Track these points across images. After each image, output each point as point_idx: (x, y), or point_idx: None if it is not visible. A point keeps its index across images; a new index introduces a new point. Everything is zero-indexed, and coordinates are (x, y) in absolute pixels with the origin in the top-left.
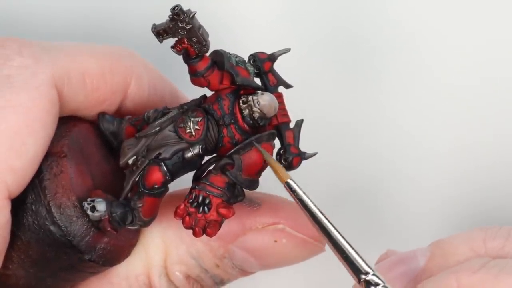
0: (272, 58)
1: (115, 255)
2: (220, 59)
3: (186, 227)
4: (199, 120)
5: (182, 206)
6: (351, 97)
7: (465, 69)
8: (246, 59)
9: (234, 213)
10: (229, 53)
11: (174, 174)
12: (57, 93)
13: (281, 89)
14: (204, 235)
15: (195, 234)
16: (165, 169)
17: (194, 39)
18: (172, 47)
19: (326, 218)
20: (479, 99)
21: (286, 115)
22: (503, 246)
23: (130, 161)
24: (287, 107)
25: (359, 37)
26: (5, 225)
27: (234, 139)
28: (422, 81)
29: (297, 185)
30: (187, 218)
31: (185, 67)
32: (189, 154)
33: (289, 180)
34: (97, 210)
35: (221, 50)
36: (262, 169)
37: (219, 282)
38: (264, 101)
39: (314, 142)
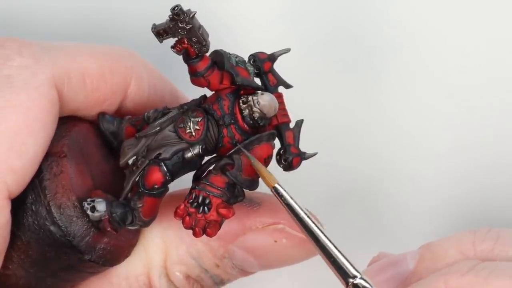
0: (272, 58)
1: (115, 255)
2: (220, 59)
3: (186, 227)
4: (199, 120)
5: (182, 206)
6: (351, 97)
7: (465, 69)
8: (246, 59)
9: (234, 213)
10: (229, 53)
11: (174, 174)
12: (57, 93)
13: (281, 89)
14: (204, 235)
15: (195, 234)
16: (165, 169)
17: (194, 39)
18: (172, 47)
19: (313, 222)
20: (479, 99)
21: (286, 115)
22: (492, 248)
23: (130, 161)
24: (287, 107)
25: (359, 37)
26: (5, 225)
27: (234, 139)
28: (422, 81)
29: (285, 190)
30: (187, 218)
31: (185, 67)
32: (189, 154)
33: (276, 185)
34: (97, 210)
35: (221, 50)
36: None
37: (219, 282)
38: (264, 101)
39: (314, 142)
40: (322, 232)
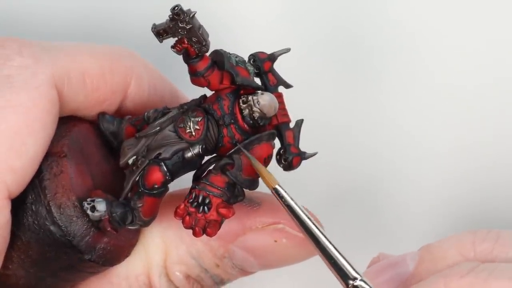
0: (272, 58)
1: (115, 255)
2: (220, 59)
3: (186, 227)
4: (199, 120)
5: (182, 206)
6: (351, 97)
7: (465, 69)
8: (246, 59)
9: (234, 213)
10: (229, 53)
11: (174, 174)
12: (57, 93)
13: (281, 89)
14: (204, 235)
15: (195, 234)
16: (165, 169)
17: (194, 39)
18: (172, 47)
19: (313, 223)
20: (479, 99)
21: (286, 115)
22: (492, 249)
23: (130, 161)
24: (287, 107)
25: (359, 37)
26: (5, 225)
27: (234, 139)
28: (422, 81)
29: (285, 191)
30: (187, 218)
31: (185, 67)
32: (189, 154)
33: (276, 186)
34: (97, 210)
35: (221, 50)
36: None
37: (219, 282)
38: (264, 101)
39: (314, 142)
40: (323, 234)
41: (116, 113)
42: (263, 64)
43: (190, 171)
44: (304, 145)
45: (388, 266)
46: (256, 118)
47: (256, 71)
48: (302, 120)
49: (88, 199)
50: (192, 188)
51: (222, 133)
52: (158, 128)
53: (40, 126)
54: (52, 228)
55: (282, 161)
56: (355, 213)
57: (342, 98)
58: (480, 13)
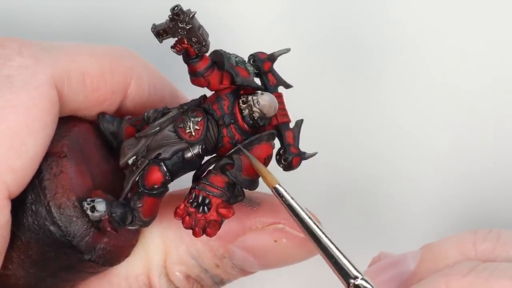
0: (272, 58)
1: (115, 255)
2: (220, 59)
3: (186, 227)
4: (199, 120)
5: (182, 206)
6: (351, 97)
7: (465, 69)
8: (246, 59)
9: (234, 213)
10: (229, 53)
11: (174, 174)
12: (57, 93)
13: (281, 89)
14: (204, 235)
15: (195, 234)
16: (165, 169)
17: (194, 39)
18: (172, 47)
19: (314, 223)
20: (479, 99)
21: (286, 115)
22: (493, 249)
23: (130, 161)
24: (287, 107)
25: (359, 37)
26: (5, 225)
27: (234, 139)
28: (422, 81)
29: (285, 190)
30: (187, 218)
31: (185, 67)
32: (189, 154)
33: (277, 185)
34: (97, 210)
35: (221, 50)
36: None
37: (219, 282)
38: (264, 101)
39: (314, 142)
40: (323, 233)
41: (116, 113)
42: (263, 64)
43: (190, 171)
44: (304, 145)
45: (389, 265)
46: (256, 118)
47: (256, 71)
48: (302, 120)
49: (88, 199)
50: (192, 188)
51: (222, 133)
52: (158, 128)
53: (40, 126)
54: (52, 228)
55: (282, 161)
56: (355, 213)
57: (342, 98)
58: (480, 13)
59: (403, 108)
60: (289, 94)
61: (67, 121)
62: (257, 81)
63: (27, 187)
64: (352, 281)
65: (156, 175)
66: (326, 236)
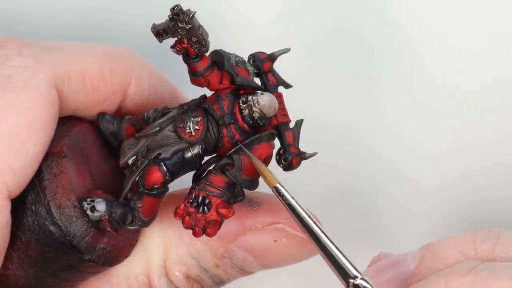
0: (272, 58)
1: (115, 255)
2: (219, 59)
3: (186, 227)
4: (199, 120)
5: (182, 206)
6: (351, 97)
7: (464, 69)
8: (246, 59)
9: (234, 213)
10: (228, 53)
11: (174, 174)
12: (57, 93)
13: (281, 89)
14: (204, 235)
15: (195, 234)
16: (165, 169)
17: (193, 39)
18: (172, 47)
19: (314, 222)
20: (479, 99)
21: (286, 115)
22: (493, 249)
23: (130, 161)
24: (287, 107)
25: (359, 37)
26: (5, 225)
27: (233, 139)
28: (421, 81)
29: (286, 190)
30: (187, 218)
31: (185, 67)
32: (189, 154)
33: (277, 185)
34: (97, 210)
35: (221, 50)
36: None
37: (219, 282)
38: (264, 101)
39: (314, 142)
40: (323, 232)
41: (116, 113)
42: (262, 64)
43: (190, 171)
44: (304, 145)
45: (389, 265)
46: (256, 118)
47: (256, 71)
48: (302, 120)
49: (88, 199)
50: (192, 188)
51: (222, 133)
52: (158, 128)
53: (40, 126)
54: (52, 228)
55: (282, 161)
56: (355, 213)
57: (342, 98)
58: (479, 13)
59: (402, 108)
60: (289, 94)
61: (67, 121)
62: (257, 81)
63: (27, 187)
64: (351, 280)
65: (156, 175)
66: (326, 236)
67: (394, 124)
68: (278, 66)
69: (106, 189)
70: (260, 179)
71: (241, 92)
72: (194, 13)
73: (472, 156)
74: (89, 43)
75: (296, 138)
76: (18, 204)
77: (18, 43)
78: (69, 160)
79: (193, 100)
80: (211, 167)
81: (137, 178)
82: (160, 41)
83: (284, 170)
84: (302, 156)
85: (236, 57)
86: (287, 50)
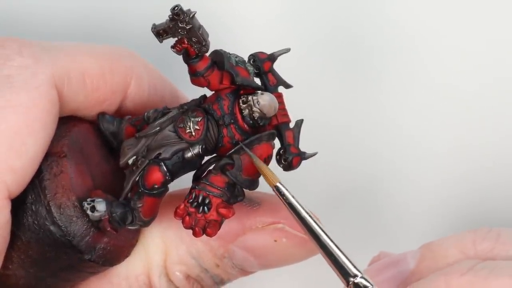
0: (272, 58)
1: (115, 255)
2: (220, 59)
3: (186, 227)
4: (199, 120)
5: (182, 206)
6: (351, 97)
7: (464, 69)
8: (246, 59)
9: (234, 213)
10: (229, 53)
11: (174, 174)
12: (57, 93)
13: (281, 89)
14: (204, 235)
15: (195, 234)
16: (165, 169)
17: (194, 39)
18: (172, 47)
19: (315, 221)
20: (479, 99)
21: (286, 115)
22: (493, 248)
23: (130, 161)
24: (287, 107)
25: (359, 37)
26: (5, 225)
27: (234, 139)
28: (421, 81)
29: (286, 189)
30: (187, 218)
31: (185, 67)
32: (189, 154)
33: (278, 184)
34: (97, 210)
35: (221, 50)
36: None
37: (219, 282)
38: (264, 101)
39: (314, 142)
40: (324, 231)
41: (116, 113)
42: (263, 64)
43: (190, 171)
44: (304, 145)
45: (389, 264)
46: (256, 118)
47: (256, 71)
48: (302, 120)
49: (88, 199)
50: (192, 188)
51: (222, 133)
52: (158, 128)
53: (40, 126)
54: (52, 228)
55: (282, 161)
56: (355, 213)
57: (342, 98)
58: (479, 13)
59: (402, 108)
60: (289, 94)
61: (67, 121)
62: (257, 81)
63: (27, 187)
64: (351, 279)
65: (156, 175)
66: (326, 235)
67: (394, 124)
68: (278, 66)
69: (106, 189)
70: (261, 179)
71: (241, 92)
72: (195, 13)
73: (472, 156)
74: (89, 43)
75: (296, 138)
76: (18, 204)
77: (18, 43)
78: (69, 160)
79: (193, 100)
80: (211, 167)
81: (137, 178)
82: (160, 41)
83: (284, 170)
84: (302, 156)
85: (236, 57)
86: (287, 50)
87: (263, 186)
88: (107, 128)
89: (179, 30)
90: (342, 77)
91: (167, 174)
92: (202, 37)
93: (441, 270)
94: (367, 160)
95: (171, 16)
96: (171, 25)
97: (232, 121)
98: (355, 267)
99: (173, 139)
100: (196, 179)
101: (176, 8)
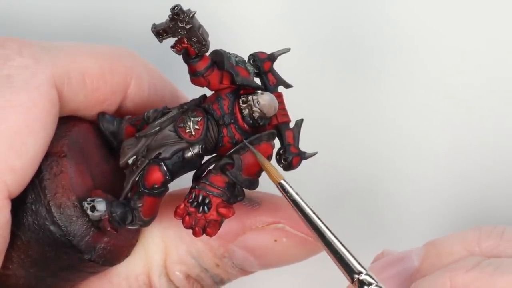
0: (272, 58)
1: (115, 255)
2: (220, 59)
3: (186, 227)
4: (199, 119)
5: (182, 206)
6: (351, 97)
7: (464, 69)
8: (246, 59)
9: (234, 213)
10: (229, 53)
11: (174, 174)
12: (57, 93)
13: (281, 89)
14: (204, 234)
15: (195, 233)
16: (165, 168)
17: (194, 39)
18: (172, 47)
19: (319, 218)
20: (479, 99)
21: (286, 115)
22: (497, 245)
23: (130, 161)
24: (287, 107)
25: (359, 37)
26: (5, 225)
27: (234, 138)
28: (421, 81)
29: (290, 186)
30: (187, 217)
31: (185, 67)
32: (189, 154)
33: (282, 181)
34: (97, 210)
35: (221, 50)
36: (262, 169)
37: (219, 281)
38: (264, 100)
39: (314, 142)
40: (328, 229)
41: (116, 113)
42: (263, 64)
43: (190, 171)
44: (304, 145)
45: (394, 261)
46: (256, 118)
47: (256, 71)
48: (302, 120)
49: (88, 199)
50: (192, 188)
51: (222, 133)
52: (158, 128)
53: (40, 126)
54: (52, 228)
55: (282, 161)
56: (355, 213)
57: (342, 98)
58: (479, 13)
59: (403, 108)
60: (289, 94)
61: (67, 121)
62: (257, 81)
63: (27, 187)
64: (356, 276)
65: (156, 175)
66: (331, 232)
67: (394, 124)
68: (278, 66)
69: (106, 189)
70: (262, 177)
71: (241, 92)
72: (194, 13)
73: (472, 155)
74: (89, 43)
75: (296, 138)
76: (18, 204)
77: (18, 43)
78: (69, 160)
79: (193, 100)
80: (211, 167)
81: (137, 177)
82: (160, 41)
83: (284, 170)
84: (302, 156)
85: (236, 57)
86: (287, 50)
87: (263, 186)
88: (107, 128)
89: (179, 30)
90: (342, 77)
91: (167, 173)
92: (202, 37)
93: (446, 267)
94: (367, 160)
95: (171, 16)
96: (171, 25)
97: (232, 120)
98: (359, 264)
99: (173, 139)
100: (196, 179)
101: (176, 8)
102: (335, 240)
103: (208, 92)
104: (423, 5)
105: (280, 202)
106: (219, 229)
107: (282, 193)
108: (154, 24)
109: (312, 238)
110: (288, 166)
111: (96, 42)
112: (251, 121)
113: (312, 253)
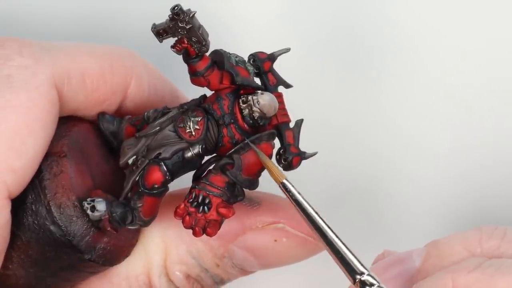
0: (272, 58)
1: (115, 255)
2: (220, 59)
3: (186, 227)
4: (199, 119)
5: (182, 206)
6: (351, 97)
7: (464, 69)
8: (246, 59)
9: (234, 213)
10: (229, 53)
11: (174, 174)
12: (57, 93)
13: (281, 88)
14: (204, 234)
15: (195, 233)
16: (165, 168)
17: (194, 39)
18: (172, 46)
19: (321, 218)
20: (479, 99)
21: (286, 114)
22: (499, 246)
23: (130, 161)
24: (287, 106)
25: (359, 37)
26: (5, 225)
27: (234, 138)
28: (421, 81)
29: (293, 186)
30: (187, 217)
31: (185, 67)
32: (189, 154)
33: (284, 181)
34: (97, 210)
35: (221, 50)
36: (262, 169)
37: (219, 281)
38: (264, 100)
39: (314, 142)
40: (330, 229)
41: (116, 113)
42: (263, 64)
43: (190, 171)
44: (304, 145)
45: (395, 261)
46: (256, 118)
47: (256, 71)
48: (302, 120)
49: (88, 199)
50: (192, 188)
51: (222, 133)
52: (158, 128)
53: (40, 126)
54: (52, 228)
55: (282, 161)
56: (355, 213)
57: (342, 98)
58: (479, 13)
59: (403, 108)
60: (289, 94)
61: (67, 121)
62: (257, 80)
63: (27, 187)
64: (358, 276)
65: (156, 175)
66: (333, 232)
67: (394, 124)
68: (278, 66)
69: (106, 189)
70: (262, 176)
71: (241, 92)
72: (194, 13)
73: (472, 155)
74: (89, 43)
75: (296, 138)
76: (18, 204)
77: (18, 43)
78: (69, 160)
79: (193, 100)
80: (211, 167)
81: (137, 177)
82: (160, 41)
83: (284, 170)
84: (302, 156)
85: (236, 57)
86: (287, 50)
87: (264, 186)
88: (107, 128)
89: (179, 30)
90: (342, 77)
91: (167, 173)
92: (202, 36)
93: (448, 268)
94: (367, 160)
95: (171, 15)
96: (171, 25)
97: (232, 120)
98: (361, 264)
99: (173, 139)
100: (196, 179)
101: (176, 7)
102: (338, 241)
103: (208, 92)
104: (423, 5)
105: (280, 202)
106: (219, 229)
107: (284, 192)
108: (154, 24)
109: (312, 238)
110: (288, 166)
111: (96, 42)
112: (251, 121)
113: (312, 253)
